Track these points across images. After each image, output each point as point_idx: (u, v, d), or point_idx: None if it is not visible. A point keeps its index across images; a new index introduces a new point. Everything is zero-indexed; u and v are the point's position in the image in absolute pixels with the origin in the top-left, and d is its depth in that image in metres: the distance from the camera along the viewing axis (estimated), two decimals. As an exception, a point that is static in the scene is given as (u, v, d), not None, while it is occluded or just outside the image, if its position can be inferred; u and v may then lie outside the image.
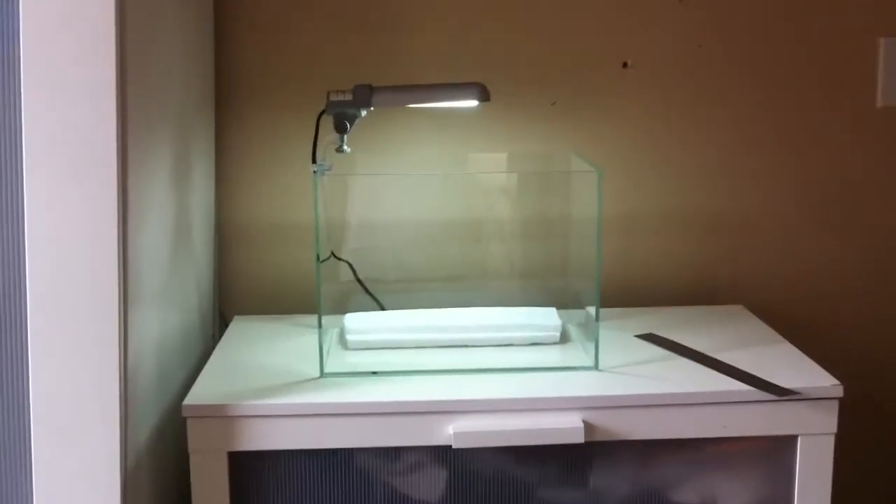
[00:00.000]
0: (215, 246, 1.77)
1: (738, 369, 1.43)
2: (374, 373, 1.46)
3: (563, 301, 1.69)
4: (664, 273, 1.84)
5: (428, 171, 1.72)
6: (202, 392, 1.39)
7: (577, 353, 1.54)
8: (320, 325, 1.46)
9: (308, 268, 1.73)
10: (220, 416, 1.33)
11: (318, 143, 1.53)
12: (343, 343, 1.58)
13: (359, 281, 1.71)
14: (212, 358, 1.54)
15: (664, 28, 1.79)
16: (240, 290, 1.81)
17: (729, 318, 1.73)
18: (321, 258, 1.53)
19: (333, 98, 1.49)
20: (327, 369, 1.46)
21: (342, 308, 1.68)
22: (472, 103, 1.50)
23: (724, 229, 1.84)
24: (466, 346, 1.56)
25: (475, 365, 1.48)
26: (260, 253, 1.80)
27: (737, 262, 1.85)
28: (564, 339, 1.59)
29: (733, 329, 1.66)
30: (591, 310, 1.55)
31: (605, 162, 1.71)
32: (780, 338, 1.60)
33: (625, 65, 1.79)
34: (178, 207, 1.53)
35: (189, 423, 1.33)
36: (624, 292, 1.81)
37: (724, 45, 1.80)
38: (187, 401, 1.35)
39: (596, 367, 1.46)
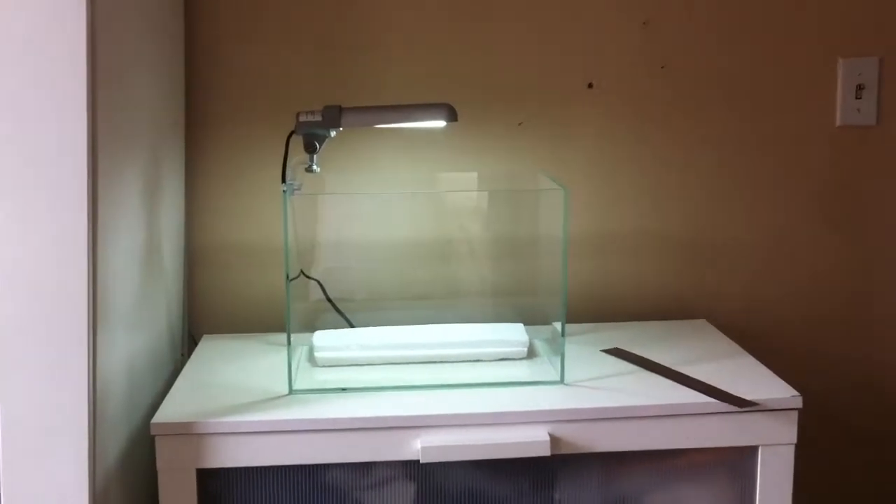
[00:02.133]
0: (185, 266, 1.78)
1: (700, 382, 1.46)
2: (343, 389, 1.47)
3: (530, 317, 1.71)
4: (630, 290, 1.87)
5: (397, 190, 1.74)
6: (170, 410, 1.40)
7: (544, 368, 1.56)
8: (289, 343, 1.47)
9: (277, 287, 1.76)
10: (188, 433, 1.34)
11: (288, 163, 1.55)
12: (312, 360, 1.59)
13: (328, 299, 1.72)
14: (180, 377, 1.55)
15: (628, 49, 1.82)
16: (209, 309, 1.82)
17: (692, 332, 1.75)
18: (291, 277, 1.55)
19: (303, 118, 1.51)
20: (296, 386, 1.47)
21: (312, 326, 1.69)
22: (440, 123, 1.53)
23: (690, 247, 1.87)
24: (435, 362, 1.58)
25: (443, 380, 1.50)
26: (229, 273, 1.81)
27: (701, 278, 1.88)
28: (532, 354, 1.61)
29: (697, 343, 1.69)
30: (558, 325, 1.58)
31: (571, 181, 1.75)
32: (741, 350, 1.63)
33: (590, 85, 1.82)
34: (149, 227, 1.54)
35: (157, 441, 1.34)
36: (591, 309, 1.84)
37: (688, 66, 1.84)
38: (156, 419, 1.36)
39: (562, 381, 1.49)
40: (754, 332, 1.85)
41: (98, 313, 1.25)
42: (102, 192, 1.25)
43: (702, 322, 1.81)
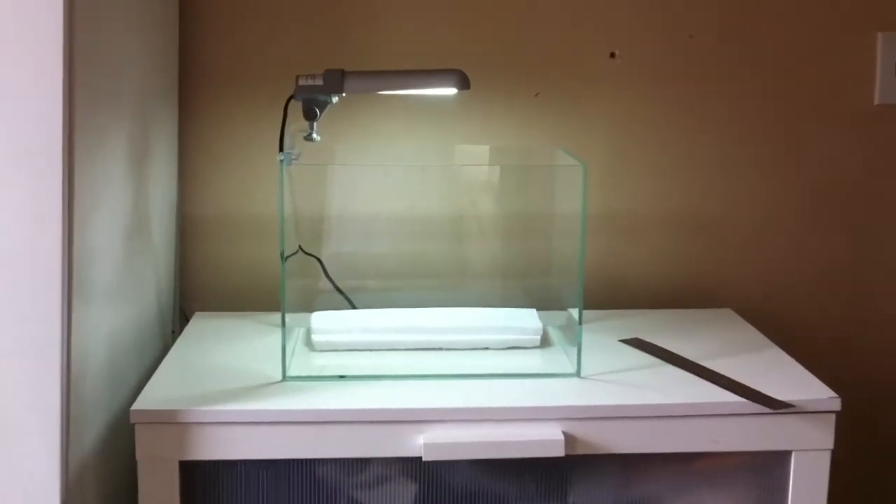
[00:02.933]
0: (177, 238, 1.67)
1: (729, 379, 1.35)
2: (341, 377, 1.36)
3: (544, 301, 1.60)
4: (651, 274, 1.76)
5: (402, 162, 1.62)
6: (153, 396, 1.29)
7: (559, 359, 1.45)
8: (283, 325, 1.36)
9: (275, 263, 1.63)
10: (171, 422, 1.23)
11: (286, 131, 1.43)
12: (309, 344, 1.48)
13: (328, 278, 1.61)
14: (167, 357, 1.44)
15: (654, 17, 1.70)
16: (202, 285, 1.71)
17: (717, 321, 1.64)
18: (287, 254, 1.44)
19: (303, 83, 1.40)
20: (290, 372, 1.36)
21: (310, 306, 1.58)
22: (451, 91, 1.41)
23: (715, 229, 1.76)
24: (441, 349, 1.47)
25: (449, 370, 1.39)
26: (224, 247, 1.70)
27: (726, 263, 1.77)
28: (545, 342, 1.50)
29: (722, 334, 1.57)
30: (574, 312, 1.46)
31: (590, 157, 1.62)
32: (771, 344, 1.52)
33: (612, 55, 1.70)
34: (136, 198, 1.43)
35: (137, 429, 1.24)
36: (608, 293, 1.72)
37: (717, 35, 1.71)
38: (136, 405, 1.25)
39: (578, 374, 1.37)
40: (785, 324, 1.73)
41: (74, 286, 1.15)
42: (80, 157, 1.15)
43: (727, 311, 1.69)
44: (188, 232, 1.70)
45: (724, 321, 1.65)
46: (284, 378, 1.35)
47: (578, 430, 1.26)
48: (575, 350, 1.40)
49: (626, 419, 1.28)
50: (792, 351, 1.48)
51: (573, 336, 1.45)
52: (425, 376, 1.36)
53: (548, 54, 1.69)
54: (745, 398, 1.28)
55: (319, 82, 1.39)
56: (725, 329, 1.60)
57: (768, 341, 1.53)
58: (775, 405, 1.27)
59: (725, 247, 1.76)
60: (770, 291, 1.77)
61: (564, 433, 1.25)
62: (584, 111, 1.71)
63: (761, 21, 1.71)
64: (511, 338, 1.48)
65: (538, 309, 1.57)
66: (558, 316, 1.56)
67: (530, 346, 1.48)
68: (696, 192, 1.75)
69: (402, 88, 1.42)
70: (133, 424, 1.24)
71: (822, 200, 1.76)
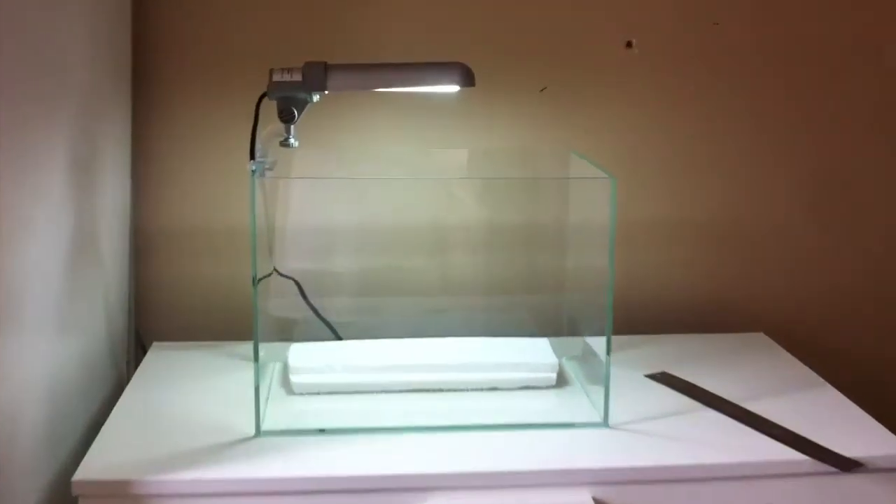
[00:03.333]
0: (130, 257, 1.45)
1: (782, 429, 1.15)
2: (322, 430, 1.15)
3: (554, 326, 1.42)
4: (671, 291, 1.56)
5: (394, 172, 1.40)
6: (101, 460, 1.07)
7: (580, 403, 1.24)
8: (257, 373, 1.14)
9: (244, 284, 1.42)
10: (121, 494, 1.02)
11: (258, 135, 1.21)
12: (286, 384, 1.27)
13: (308, 303, 1.39)
14: (119, 404, 1.22)
15: (675, 2, 1.49)
16: (161, 310, 1.49)
17: (750, 349, 1.45)
18: (259, 277, 1.22)
19: (278, 78, 1.17)
20: (266, 425, 1.15)
21: (287, 335, 1.37)
22: (453, 88, 1.19)
23: (743, 240, 1.56)
24: (441, 390, 1.26)
25: (453, 419, 1.19)
26: (186, 265, 1.48)
27: (759, 281, 1.58)
28: (560, 378, 1.29)
29: (758, 365, 1.38)
30: (592, 340, 1.27)
31: (602, 159, 1.39)
32: (819, 380, 1.33)
33: (629, 44, 1.49)
34: (80, 211, 1.22)
35: (81, 503, 1.02)
36: (624, 315, 1.49)
37: (746, 23, 1.51)
38: (79, 474, 1.04)
39: (605, 423, 1.17)
40: (826, 350, 1.54)
41: (2, 318, 0.95)
42: (8, 166, 0.96)
43: (759, 336, 1.50)
44: (144, 249, 1.47)
45: (757, 348, 1.45)
46: (258, 433, 1.13)
47: (611, 496, 1.06)
48: (596, 388, 1.21)
49: (667, 483, 1.08)
50: (840, 384, 1.29)
51: (591, 369, 1.26)
52: (425, 429, 1.15)
53: (556, 44, 1.48)
54: (808, 455, 1.09)
55: (298, 78, 1.17)
56: (761, 358, 1.41)
57: (815, 375, 1.34)
58: (846, 465, 1.07)
59: (757, 261, 1.57)
60: (809, 312, 1.58)
61: (594, 500, 1.05)
62: (597, 108, 1.50)
63: (795, 6, 1.51)
64: (523, 376, 1.27)
65: (548, 335, 1.37)
66: (571, 344, 1.36)
67: (545, 385, 1.27)
68: (721, 199, 1.55)
69: (396, 85, 1.20)
70: (76, 497, 1.02)
71: (863, 207, 1.57)
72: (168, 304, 1.49)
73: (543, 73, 1.49)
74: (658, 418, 1.19)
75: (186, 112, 1.44)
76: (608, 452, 1.11)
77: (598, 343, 1.26)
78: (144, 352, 1.43)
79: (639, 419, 1.19)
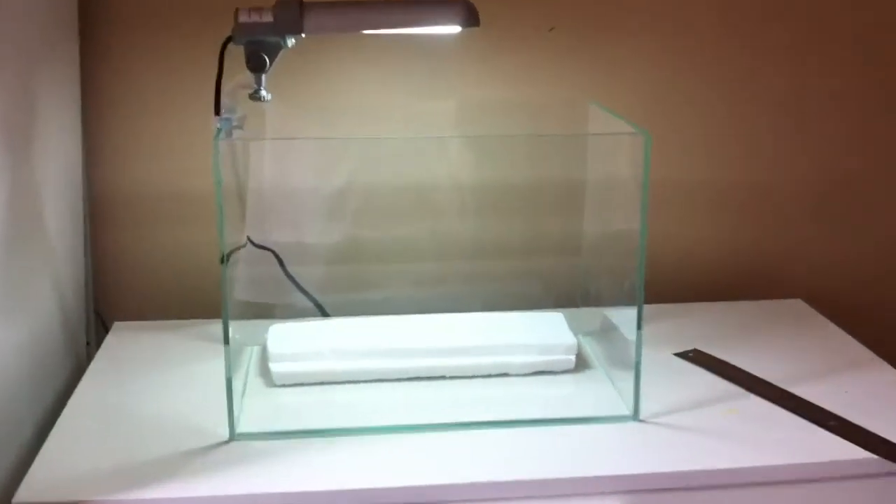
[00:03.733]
0: (85, 225, 1.27)
1: (840, 420, 1.00)
2: (308, 432, 0.99)
3: (567, 296, 1.26)
4: (698, 257, 1.40)
5: (382, 129, 1.21)
6: (48, 473, 0.91)
7: (604, 391, 1.09)
8: (229, 368, 0.98)
9: (215, 253, 1.26)
10: (69, 519, 0.86)
11: (223, 87, 1.03)
12: (265, 373, 1.10)
13: (288, 275, 1.23)
14: (71, 403, 1.06)
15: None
16: (123, 284, 1.33)
17: (788, 318, 1.29)
18: (228, 251, 1.06)
19: (245, 19, 1.00)
20: (241, 427, 0.99)
21: (265, 312, 1.21)
22: (453, 29, 1.01)
23: (776, 201, 1.40)
24: (444, 377, 1.10)
25: (456, 414, 1.03)
26: (149, 234, 1.31)
27: (791, 239, 1.41)
28: (579, 360, 1.13)
29: (798, 337, 1.23)
30: (613, 313, 1.12)
31: (620, 110, 1.23)
32: (868, 353, 1.18)
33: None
34: (19, 177, 1.05)
35: (22, 531, 0.86)
36: (649, 283, 1.35)
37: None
38: (21, 496, 0.87)
39: (635, 416, 1.01)
40: (873, 318, 1.38)
41: None
42: None
43: (797, 303, 1.34)
44: (100, 218, 1.30)
45: (796, 317, 1.30)
46: (233, 437, 0.97)
47: (646, 505, 0.91)
48: (621, 373, 1.06)
49: (709, 489, 0.92)
50: (892, 358, 1.14)
51: (614, 348, 1.11)
52: (426, 427, 0.99)
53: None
54: (875, 453, 0.93)
55: (269, 19, 0.99)
56: (801, 329, 1.25)
57: (864, 349, 1.19)
58: (917, 465, 0.92)
59: (789, 219, 1.41)
60: (851, 276, 1.42)
61: (627, 511, 0.90)
62: (613, 52, 1.32)
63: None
64: (538, 360, 1.11)
65: (561, 307, 1.21)
66: (588, 317, 1.20)
67: (563, 369, 1.12)
68: (755, 156, 1.37)
69: (386, 27, 1.02)
70: (16, 521, 0.86)
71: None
72: (131, 279, 1.32)
73: (552, 10, 1.30)
74: (693, 408, 1.04)
75: (143, 61, 1.25)
76: (640, 454, 0.95)
77: (620, 316, 1.11)
78: (106, 331, 1.27)
79: (671, 410, 1.03)
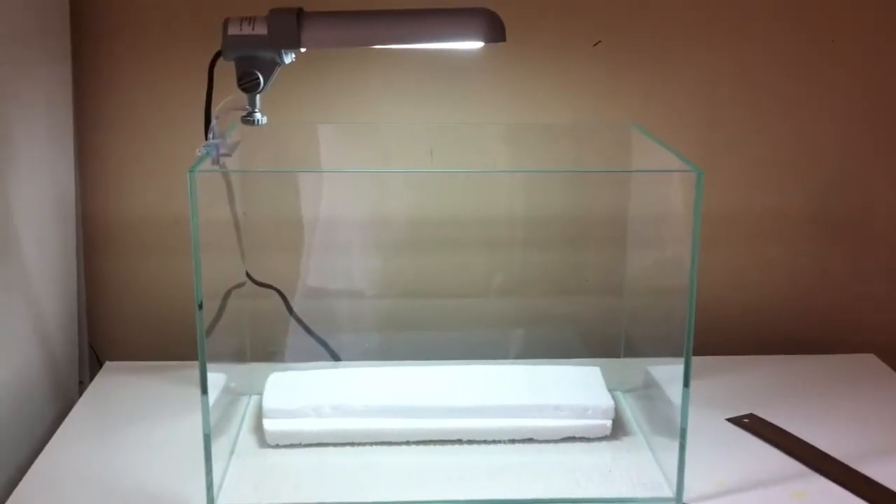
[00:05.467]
0: (79, 256, 1.16)
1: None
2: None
3: (604, 345, 1.11)
4: (754, 301, 1.24)
5: (394, 157, 1.08)
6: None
7: (642, 463, 0.94)
8: (207, 425, 0.85)
9: (215, 285, 1.15)
10: None
11: (214, 109, 0.91)
12: (260, 428, 0.98)
13: (293, 315, 1.10)
14: (38, 461, 0.94)
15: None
16: (119, 317, 1.21)
17: (858, 377, 1.14)
18: (230, 286, 0.94)
19: (235, 31, 0.87)
20: (224, 495, 0.87)
21: (267, 355, 1.09)
22: (475, 45, 0.88)
23: (844, 242, 1.24)
24: (462, 441, 0.96)
25: (473, 489, 0.89)
26: (145, 264, 1.20)
27: (862, 285, 1.25)
28: (616, 424, 0.99)
29: (872, 402, 1.08)
30: (657, 366, 0.99)
31: (669, 135, 1.06)
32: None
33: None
34: (9, 202, 0.97)
35: None
36: (697, 329, 1.20)
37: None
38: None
39: (678, 499, 0.87)
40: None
41: None
42: None
43: (870, 358, 1.18)
44: (95, 248, 1.19)
45: (868, 376, 1.14)
46: (211, 513, 0.85)
47: None
48: (664, 441, 0.92)
49: None
50: None
51: (656, 411, 0.97)
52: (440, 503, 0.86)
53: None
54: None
55: (262, 30, 0.87)
56: (874, 392, 1.10)
57: (950, 418, 1.03)
58: None
59: (862, 264, 1.24)
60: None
61: None
62: (665, 69, 1.17)
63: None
64: (569, 424, 0.97)
65: (600, 356, 1.07)
66: (629, 370, 1.06)
67: (597, 436, 0.97)
68: (819, 186, 1.22)
69: (395, 41, 0.88)
70: None
71: None
72: (128, 312, 1.21)
73: (596, 24, 1.16)
74: (748, 490, 0.89)
75: (139, 84, 1.14)
76: (683, 549, 0.81)
77: (665, 370, 0.97)
78: (101, 367, 1.16)
79: (721, 492, 0.89)
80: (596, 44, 1.16)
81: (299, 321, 1.11)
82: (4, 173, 0.96)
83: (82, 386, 1.20)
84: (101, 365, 1.19)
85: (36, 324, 1.07)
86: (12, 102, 0.97)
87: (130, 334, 1.22)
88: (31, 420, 1.05)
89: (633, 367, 1.06)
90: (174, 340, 1.20)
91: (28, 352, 1.05)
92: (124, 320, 1.22)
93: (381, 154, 1.08)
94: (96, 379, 1.13)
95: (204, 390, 0.85)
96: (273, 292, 1.09)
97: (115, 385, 1.10)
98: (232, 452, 0.95)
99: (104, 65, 1.14)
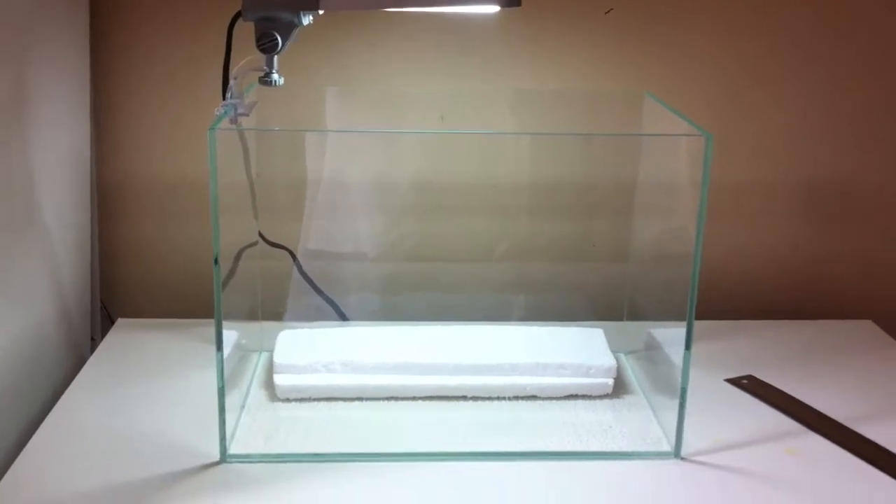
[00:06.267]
0: (93, 218, 1.19)
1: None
2: (308, 456, 0.89)
3: (609, 308, 1.14)
4: (758, 269, 1.27)
5: (409, 118, 1.10)
6: (11, 500, 0.82)
7: (643, 420, 0.97)
8: (221, 378, 0.88)
9: (232, 249, 1.17)
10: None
11: (231, 69, 0.93)
12: (270, 384, 1.01)
13: (304, 275, 1.13)
14: (54, 411, 0.97)
15: None
16: (131, 277, 1.24)
17: (856, 343, 1.16)
18: (242, 247, 0.97)
19: (253, -8, 0.89)
20: (235, 445, 0.89)
21: (278, 314, 1.11)
22: (492, 8, 0.90)
23: (843, 209, 1.26)
24: (467, 397, 0.99)
25: (478, 442, 0.92)
26: (159, 226, 1.22)
27: (861, 254, 1.27)
28: (619, 382, 1.02)
29: (869, 366, 1.10)
30: (658, 331, 1.00)
31: (681, 103, 1.09)
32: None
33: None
34: (20, 158, 0.97)
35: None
36: (702, 298, 1.22)
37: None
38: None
39: (676, 453, 0.90)
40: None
41: None
42: None
43: (867, 325, 1.20)
44: (109, 210, 1.21)
45: (866, 342, 1.16)
46: (224, 459, 0.88)
47: (685, 562, 0.80)
48: (664, 400, 0.95)
49: (761, 546, 0.81)
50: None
51: (658, 371, 1.00)
52: (442, 456, 0.89)
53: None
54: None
55: (281, -7, 0.89)
56: (872, 357, 1.12)
57: (944, 383, 1.05)
58: None
59: (861, 231, 1.27)
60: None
61: (663, 567, 0.79)
62: (677, 37, 1.19)
63: None
64: (571, 382, 0.99)
65: (602, 319, 1.10)
66: (632, 332, 1.09)
67: (599, 394, 1.00)
68: (828, 161, 1.24)
69: (412, 4, 0.91)
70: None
71: None
72: (139, 273, 1.23)
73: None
74: (743, 446, 0.92)
75: (154, 48, 1.15)
76: (680, 498, 0.83)
77: (667, 333, 0.99)
78: (112, 323, 1.18)
79: (718, 447, 0.91)
80: (608, 11, 1.18)
81: (309, 281, 1.13)
82: (26, 137, 0.99)
83: (94, 342, 1.22)
84: (112, 322, 1.22)
85: (51, 282, 1.09)
86: (30, 68, 0.99)
87: (141, 293, 1.24)
88: (48, 372, 1.07)
89: (636, 331, 1.09)
90: (184, 299, 1.22)
91: (44, 307, 1.07)
92: (135, 279, 1.24)
93: (392, 118, 1.09)
94: (109, 335, 1.15)
95: (219, 346, 0.87)
96: (284, 253, 1.12)
97: (126, 341, 1.13)
98: (243, 406, 0.97)
99: (120, 36, 1.15)
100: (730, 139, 1.21)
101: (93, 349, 1.20)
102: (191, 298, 1.21)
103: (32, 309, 1.05)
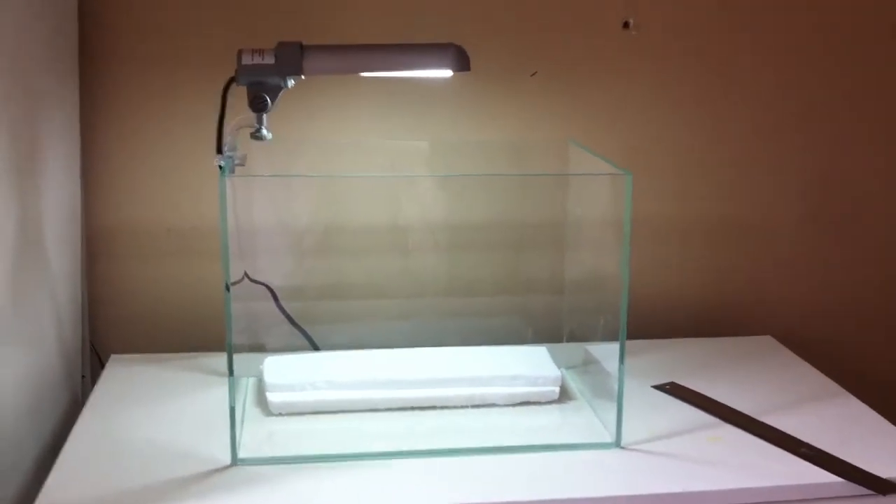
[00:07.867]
0: (82, 259, 1.31)
1: (810, 447, 1.05)
2: (306, 457, 1.03)
3: (550, 332, 1.31)
4: (672, 293, 1.45)
5: (375, 167, 1.27)
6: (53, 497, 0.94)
7: (587, 419, 1.13)
8: (233, 394, 1.02)
9: (209, 289, 1.30)
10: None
11: (226, 126, 1.08)
12: (261, 400, 1.14)
13: (281, 310, 1.27)
14: (74, 432, 1.09)
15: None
16: (119, 317, 1.35)
17: (759, 354, 1.35)
18: (230, 282, 1.09)
19: (248, 61, 1.04)
20: (243, 450, 1.03)
21: (258, 346, 1.25)
22: (445, 73, 1.07)
23: (746, 240, 1.46)
24: (433, 407, 1.14)
25: (448, 442, 1.07)
26: (144, 269, 1.34)
27: (762, 280, 1.47)
28: (563, 392, 1.18)
29: (770, 372, 1.28)
30: (593, 348, 1.17)
31: (597, 148, 1.28)
32: (835, 387, 1.23)
33: (626, 25, 1.38)
34: (20, 209, 1.08)
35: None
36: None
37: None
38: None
39: (617, 443, 1.06)
40: (838, 354, 1.45)
41: None
42: None
43: (767, 339, 1.40)
44: (97, 252, 1.33)
45: (766, 353, 1.35)
46: (235, 462, 1.01)
47: (630, 528, 0.96)
48: (603, 403, 1.11)
49: (692, 512, 0.97)
50: (856, 391, 1.20)
51: (596, 381, 1.16)
52: (418, 453, 1.04)
53: (547, 25, 1.36)
54: (842, 477, 0.99)
55: (270, 60, 1.04)
56: (772, 364, 1.31)
57: (832, 383, 1.25)
58: (883, 487, 0.98)
59: (761, 259, 1.47)
60: (817, 312, 1.48)
61: (612, 534, 0.95)
62: (591, 94, 1.38)
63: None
64: (523, 391, 1.16)
65: (545, 342, 1.26)
66: (570, 352, 1.25)
67: (547, 400, 1.16)
68: (724, 194, 1.44)
69: (381, 69, 1.07)
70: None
71: (872, 207, 1.47)
72: (125, 313, 1.35)
73: (534, 55, 1.36)
74: (672, 436, 1.09)
75: (142, 101, 1.29)
76: (622, 478, 1.00)
77: (601, 350, 1.16)
78: (102, 365, 1.30)
79: (651, 438, 1.08)
80: (533, 74, 1.37)
81: (286, 315, 1.27)
82: (25, 189, 1.10)
83: (84, 380, 1.33)
84: (101, 361, 1.33)
85: (50, 322, 1.19)
86: (26, 121, 1.10)
87: (129, 332, 1.35)
88: (48, 407, 1.17)
89: (574, 350, 1.25)
90: (169, 335, 1.34)
91: (43, 347, 1.17)
92: (123, 319, 1.35)
93: (353, 167, 1.26)
94: (105, 370, 1.26)
95: (230, 371, 1.01)
96: (264, 288, 1.26)
97: (122, 374, 1.23)
98: (242, 421, 1.10)
99: (109, 84, 1.28)
100: (641, 178, 1.38)
101: (84, 386, 1.31)
102: (174, 335, 1.34)
103: (37, 349, 1.15)
